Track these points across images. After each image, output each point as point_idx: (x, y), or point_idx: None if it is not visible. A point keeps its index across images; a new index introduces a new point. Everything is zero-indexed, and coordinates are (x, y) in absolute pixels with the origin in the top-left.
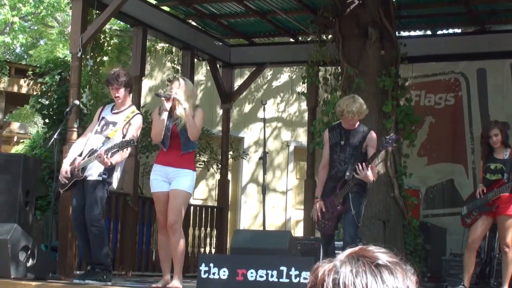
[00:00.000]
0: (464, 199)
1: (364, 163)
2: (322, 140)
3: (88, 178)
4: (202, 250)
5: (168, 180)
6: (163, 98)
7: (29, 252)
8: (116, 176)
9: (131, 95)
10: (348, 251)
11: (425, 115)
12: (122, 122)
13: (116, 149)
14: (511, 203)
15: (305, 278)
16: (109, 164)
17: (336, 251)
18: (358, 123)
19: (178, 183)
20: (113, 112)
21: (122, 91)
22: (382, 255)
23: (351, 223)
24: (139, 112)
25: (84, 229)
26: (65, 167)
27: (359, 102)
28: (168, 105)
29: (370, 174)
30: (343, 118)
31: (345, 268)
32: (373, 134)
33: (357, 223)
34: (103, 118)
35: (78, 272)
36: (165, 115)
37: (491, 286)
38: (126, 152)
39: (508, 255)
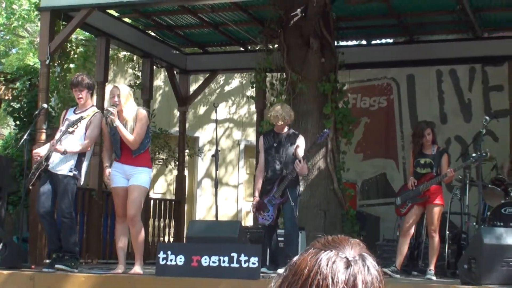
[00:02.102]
0: (396, 191)
1: (301, 157)
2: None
3: (58, 173)
4: (161, 239)
5: (126, 176)
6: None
7: (1, 243)
8: (84, 171)
9: (93, 97)
10: (348, 243)
11: (361, 116)
12: (83, 121)
13: (67, 133)
14: (439, 194)
15: (253, 263)
16: (62, 151)
17: (279, 239)
18: (287, 127)
19: (135, 179)
20: (76, 112)
21: (84, 93)
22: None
23: (291, 214)
24: (99, 111)
25: (50, 216)
26: (36, 152)
27: (287, 108)
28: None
29: (305, 167)
30: (274, 122)
31: (360, 265)
32: (301, 137)
33: (296, 214)
34: (66, 119)
35: (47, 261)
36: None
37: (419, 267)
38: (87, 146)
39: (435, 239)
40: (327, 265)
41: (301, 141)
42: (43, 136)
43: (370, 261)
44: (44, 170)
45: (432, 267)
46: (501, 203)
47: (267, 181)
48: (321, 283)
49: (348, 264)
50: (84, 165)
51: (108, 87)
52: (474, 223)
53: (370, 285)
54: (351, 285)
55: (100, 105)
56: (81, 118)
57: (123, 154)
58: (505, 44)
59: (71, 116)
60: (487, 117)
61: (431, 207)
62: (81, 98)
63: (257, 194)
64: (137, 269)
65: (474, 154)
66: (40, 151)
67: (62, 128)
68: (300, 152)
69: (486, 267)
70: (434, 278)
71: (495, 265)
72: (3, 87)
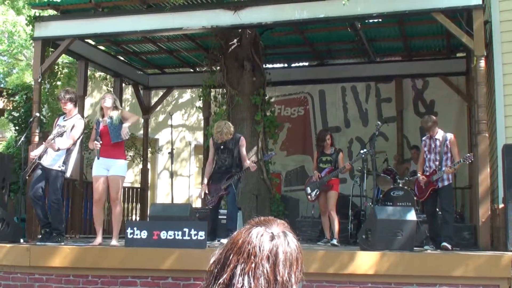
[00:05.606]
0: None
1: (251, 160)
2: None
3: (51, 168)
4: (129, 218)
5: (106, 167)
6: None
7: (5, 222)
8: (71, 166)
9: (76, 107)
10: (275, 222)
11: (284, 122)
12: (70, 126)
13: (57, 136)
14: (337, 184)
15: (201, 236)
16: (56, 148)
17: (220, 217)
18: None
19: (115, 171)
20: (64, 119)
21: (69, 104)
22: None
23: (233, 200)
24: (82, 118)
25: (37, 199)
26: (33, 154)
27: (227, 124)
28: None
29: (254, 166)
30: (219, 139)
31: (282, 239)
32: (242, 139)
33: (236, 200)
34: (58, 124)
35: (40, 236)
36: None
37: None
38: (71, 144)
39: (335, 216)
40: (256, 237)
41: (242, 141)
42: (36, 138)
43: (291, 237)
44: (37, 165)
45: (336, 236)
46: (391, 187)
47: (216, 172)
48: (251, 250)
49: (272, 238)
50: (71, 162)
51: (87, 100)
52: (370, 203)
53: (289, 255)
54: (274, 253)
55: (81, 113)
56: (64, 131)
57: (102, 150)
58: (392, 66)
59: (61, 122)
60: (379, 122)
61: (331, 193)
62: (65, 109)
63: (205, 181)
64: (114, 242)
65: (361, 151)
66: (36, 152)
67: (54, 131)
68: (242, 150)
69: (379, 237)
70: (337, 244)
71: (386, 235)
72: (6, 100)
